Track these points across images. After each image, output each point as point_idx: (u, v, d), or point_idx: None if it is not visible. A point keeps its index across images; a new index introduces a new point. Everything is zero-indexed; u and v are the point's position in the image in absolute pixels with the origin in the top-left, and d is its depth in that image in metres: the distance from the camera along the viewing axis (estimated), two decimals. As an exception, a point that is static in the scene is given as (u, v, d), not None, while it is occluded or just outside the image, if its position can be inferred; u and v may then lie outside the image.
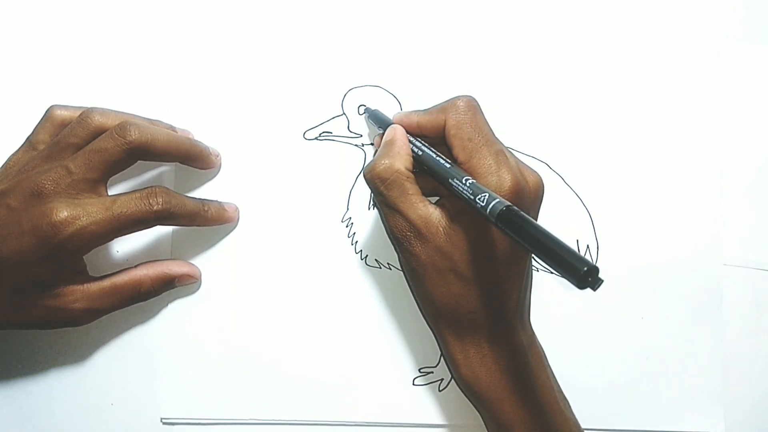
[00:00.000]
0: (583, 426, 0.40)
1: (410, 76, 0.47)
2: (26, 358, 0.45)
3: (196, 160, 0.43)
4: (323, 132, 0.46)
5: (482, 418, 0.40)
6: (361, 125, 0.46)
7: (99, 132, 0.40)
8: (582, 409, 0.41)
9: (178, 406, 0.45)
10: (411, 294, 0.42)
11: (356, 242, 0.46)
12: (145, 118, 0.44)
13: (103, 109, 0.41)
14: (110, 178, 0.40)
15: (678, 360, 0.46)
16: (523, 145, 0.46)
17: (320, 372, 0.45)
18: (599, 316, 0.46)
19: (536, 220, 0.38)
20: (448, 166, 0.37)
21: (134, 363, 0.45)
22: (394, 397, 0.45)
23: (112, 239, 0.39)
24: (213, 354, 0.45)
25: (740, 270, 0.47)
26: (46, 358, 0.45)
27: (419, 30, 0.47)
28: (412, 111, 0.41)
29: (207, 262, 0.45)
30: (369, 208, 0.46)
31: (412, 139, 0.40)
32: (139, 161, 0.41)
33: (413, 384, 0.45)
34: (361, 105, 0.46)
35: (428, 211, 0.37)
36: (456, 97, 0.39)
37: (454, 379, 0.42)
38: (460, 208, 0.37)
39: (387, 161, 0.38)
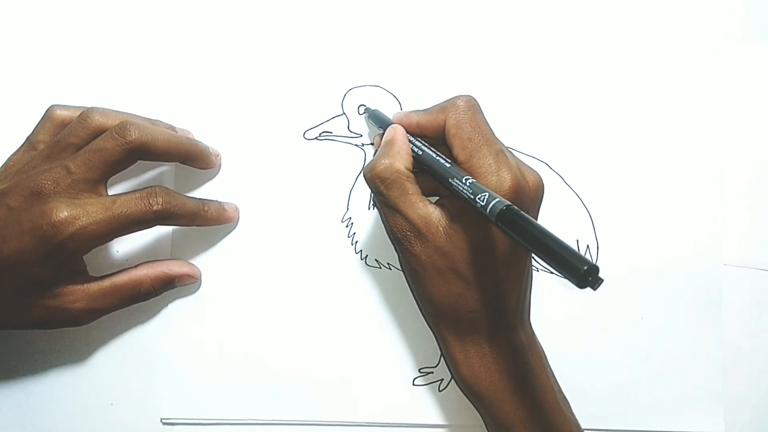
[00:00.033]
0: (583, 426, 0.40)
1: (410, 76, 0.47)
2: (26, 358, 0.45)
3: (196, 160, 0.43)
4: (323, 132, 0.46)
5: (482, 418, 0.40)
6: (361, 125, 0.46)
7: (99, 132, 0.40)
8: (582, 409, 0.41)
9: (178, 406, 0.45)
10: (411, 294, 0.42)
11: (356, 242, 0.46)
12: (145, 118, 0.44)
13: (103, 109, 0.41)
14: (110, 178, 0.40)
15: (678, 360, 0.46)
16: (523, 145, 0.46)
17: (320, 372, 0.45)
18: (599, 316, 0.46)
19: (536, 219, 0.38)
20: (448, 165, 0.37)
21: (134, 363, 0.45)
22: (394, 397, 0.45)
23: (112, 239, 0.39)
24: (213, 354, 0.45)
25: (740, 270, 0.47)
26: (46, 358, 0.45)
27: (419, 30, 0.47)
28: (412, 111, 0.41)
29: (207, 262, 0.45)
30: (369, 208, 0.46)
31: (412, 138, 0.40)
32: (139, 161, 0.41)
33: (413, 384, 0.45)
34: (361, 105, 0.46)
35: (428, 211, 0.37)
36: (456, 96, 0.39)
37: (454, 379, 0.42)
38: (460, 208, 0.37)
39: (387, 161, 0.38)
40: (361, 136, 0.46)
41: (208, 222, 0.43)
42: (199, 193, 0.46)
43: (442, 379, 0.45)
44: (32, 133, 0.42)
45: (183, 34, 0.47)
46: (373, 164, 0.38)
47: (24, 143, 0.42)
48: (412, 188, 0.38)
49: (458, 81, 0.47)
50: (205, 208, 0.43)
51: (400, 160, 0.38)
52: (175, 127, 0.45)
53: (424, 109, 0.40)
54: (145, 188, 0.40)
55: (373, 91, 0.46)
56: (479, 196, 0.34)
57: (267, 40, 0.47)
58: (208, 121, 0.46)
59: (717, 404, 0.46)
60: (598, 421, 0.45)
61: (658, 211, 0.46)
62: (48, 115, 0.42)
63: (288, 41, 0.47)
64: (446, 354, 0.40)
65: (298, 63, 0.46)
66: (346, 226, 0.46)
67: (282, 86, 0.46)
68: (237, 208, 0.45)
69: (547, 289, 0.46)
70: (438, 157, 0.38)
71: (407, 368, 0.45)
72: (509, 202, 0.32)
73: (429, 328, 0.42)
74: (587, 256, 0.46)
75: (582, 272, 0.28)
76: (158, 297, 0.44)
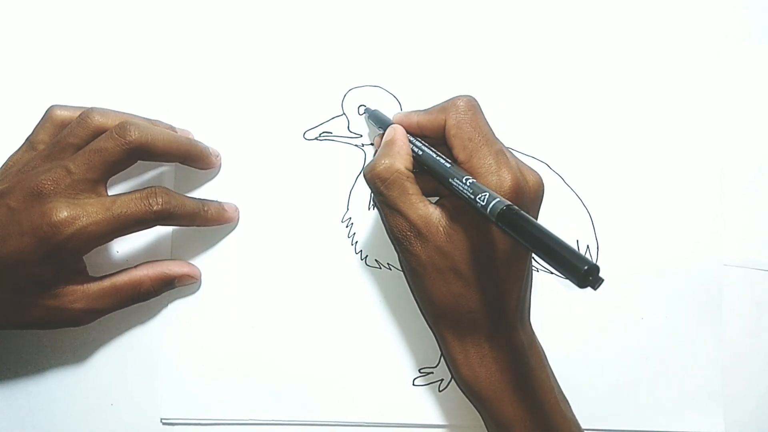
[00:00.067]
0: (583, 426, 0.40)
1: (410, 76, 0.47)
2: (26, 358, 0.45)
3: (196, 160, 0.43)
4: (323, 132, 0.46)
5: (482, 418, 0.40)
6: (361, 125, 0.46)
7: (99, 132, 0.40)
8: (582, 409, 0.41)
9: (178, 406, 0.45)
10: (411, 294, 0.42)
11: (356, 242, 0.46)
12: (145, 118, 0.44)
13: (103, 109, 0.41)
14: (110, 178, 0.40)
15: (678, 360, 0.46)
16: (523, 145, 0.46)
17: (320, 372, 0.45)
18: (599, 316, 0.46)
19: (536, 219, 0.38)
20: (448, 165, 0.37)
21: (134, 363, 0.45)
22: (394, 397, 0.45)
23: (112, 239, 0.39)
24: (213, 354, 0.45)
25: (740, 270, 0.47)
26: (46, 358, 0.45)
27: (419, 30, 0.47)
28: (412, 111, 0.41)
29: (207, 262, 0.45)
30: (369, 208, 0.46)
31: (412, 138, 0.40)
32: (139, 161, 0.40)
33: (413, 384, 0.45)
34: (361, 105, 0.46)
35: (428, 211, 0.37)
36: (456, 96, 0.39)
37: (454, 379, 0.42)
38: (460, 208, 0.37)
39: (387, 161, 0.38)
40: (361, 136, 0.46)
41: (208, 222, 0.43)
42: (199, 193, 0.46)
43: (442, 379, 0.45)
44: (32, 133, 0.42)
45: (183, 34, 0.47)
46: (374, 164, 0.38)
47: (24, 143, 0.42)
48: (412, 188, 0.38)
49: (458, 81, 0.47)
50: (205, 208, 0.43)
51: (400, 160, 0.38)
52: (175, 127, 0.45)
53: (424, 109, 0.40)
54: (145, 188, 0.40)
55: (373, 91, 0.46)
56: (479, 196, 0.34)
57: (267, 40, 0.47)
58: (208, 121, 0.46)
59: (717, 404, 0.46)
60: (598, 421, 0.45)
61: (658, 211, 0.46)
62: (48, 115, 0.42)
63: (288, 41, 0.47)
64: (446, 354, 0.40)
65: (298, 63, 0.46)
66: (346, 226, 0.46)
67: (282, 86, 0.46)
68: (237, 208, 0.45)
69: (547, 289, 0.46)
70: (438, 157, 0.38)
71: (407, 368, 0.45)
72: (509, 202, 0.32)
73: (429, 328, 0.42)
74: (587, 256, 0.46)
75: (582, 272, 0.28)
76: (158, 297, 0.44)
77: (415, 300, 0.42)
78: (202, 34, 0.47)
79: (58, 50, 0.47)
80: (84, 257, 0.40)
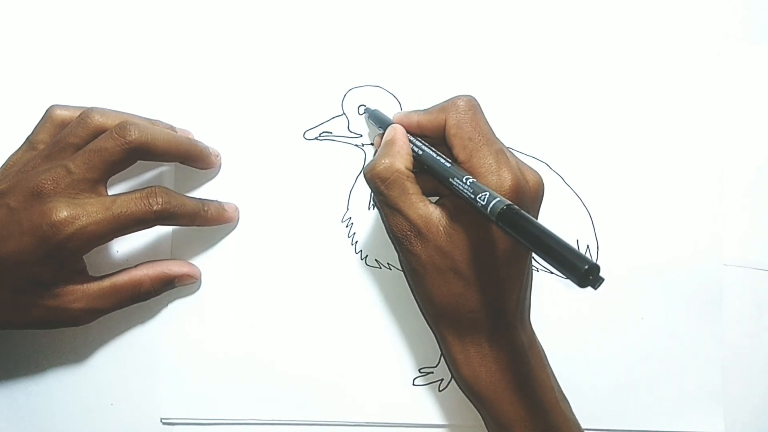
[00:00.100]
0: (583, 426, 0.40)
1: (410, 76, 0.47)
2: (26, 358, 0.45)
3: (196, 160, 0.43)
4: (323, 132, 0.46)
5: (482, 418, 0.40)
6: (361, 125, 0.46)
7: (99, 132, 0.40)
8: (582, 409, 0.41)
9: (178, 406, 0.45)
10: (411, 294, 0.42)
11: (356, 242, 0.46)
12: (145, 118, 0.44)
13: (103, 109, 0.41)
14: (110, 178, 0.40)
15: (678, 360, 0.46)
16: (523, 145, 0.46)
17: (320, 372, 0.45)
18: (599, 316, 0.46)
19: (536, 219, 0.38)
20: (448, 165, 0.37)
21: (134, 363, 0.45)
22: (394, 397, 0.45)
23: (112, 239, 0.39)
24: (213, 354, 0.45)
25: (740, 270, 0.47)
26: (46, 358, 0.45)
27: (419, 30, 0.47)
28: (412, 111, 0.41)
29: (207, 262, 0.45)
30: (369, 208, 0.46)
31: (412, 138, 0.40)
32: (139, 161, 0.40)
33: (413, 384, 0.45)
34: (361, 105, 0.46)
35: (428, 211, 0.37)
36: (456, 96, 0.39)
37: (455, 379, 0.42)
38: (460, 208, 0.37)
39: (387, 161, 0.38)
40: (361, 136, 0.46)
41: (208, 222, 0.43)
42: (199, 193, 0.46)
43: (442, 379, 0.45)
44: (32, 133, 0.42)
45: (183, 34, 0.47)
46: (374, 164, 0.38)
47: (24, 143, 0.42)
48: (412, 188, 0.38)
49: (458, 81, 0.47)
50: (205, 208, 0.43)
51: (400, 159, 0.38)
52: (175, 127, 0.45)
53: (424, 109, 0.40)
54: (145, 188, 0.40)
55: (373, 91, 0.46)
56: (480, 195, 0.34)
57: (267, 40, 0.47)
58: (208, 121, 0.46)
59: (717, 404, 0.46)
60: (598, 421, 0.45)
61: (658, 211, 0.46)
62: (48, 115, 0.42)
63: (288, 41, 0.47)
64: (446, 354, 0.40)
65: (298, 63, 0.46)
66: (346, 226, 0.46)
67: (282, 86, 0.46)
68: (237, 208, 0.45)
69: (547, 289, 0.46)
70: (438, 157, 0.38)
71: (407, 368, 0.45)
72: (510, 202, 0.32)
73: (429, 328, 0.42)
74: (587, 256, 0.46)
75: (583, 271, 0.28)
76: (158, 297, 0.44)
77: (415, 300, 0.42)
78: (202, 34, 0.47)
79: (58, 50, 0.47)
80: (84, 257, 0.40)
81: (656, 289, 0.46)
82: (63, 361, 0.45)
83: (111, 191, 0.41)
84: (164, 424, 0.45)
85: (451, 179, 0.36)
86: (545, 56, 0.47)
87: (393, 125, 0.41)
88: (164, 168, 0.46)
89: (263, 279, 0.45)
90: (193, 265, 0.45)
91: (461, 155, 0.37)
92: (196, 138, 0.45)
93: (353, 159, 0.46)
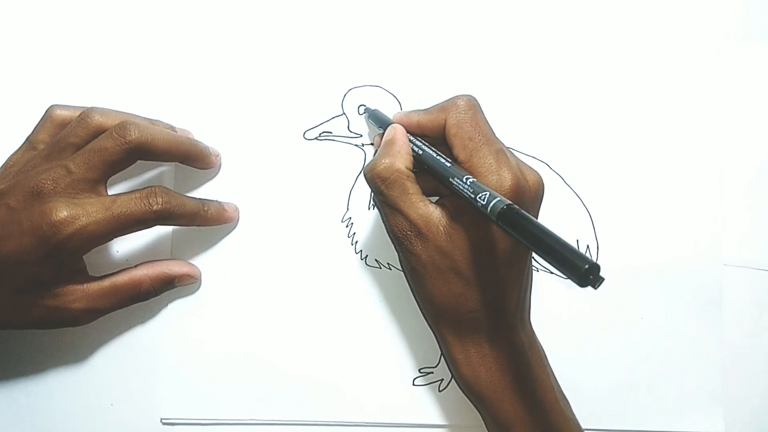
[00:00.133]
0: (583, 426, 0.40)
1: (410, 76, 0.47)
2: (26, 358, 0.45)
3: (196, 160, 0.43)
4: (323, 132, 0.46)
5: (482, 418, 0.40)
6: (361, 125, 0.46)
7: (99, 132, 0.40)
8: (582, 409, 0.41)
9: (178, 406, 0.45)
10: (411, 294, 0.42)
11: (356, 242, 0.46)
12: (145, 118, 0.44)
13: (103, 109, 0.42)
14: (110, 178, 0.40)
15: (678, 360, 0.46)
16: (523, 145, 0.46)
17: (320, 372, 0.45)
18: (599, 316, 0.46)
19: (536, 219, 0.38)
20: (448, 165, 0.37)
21: (134, 363, 0.45)
22: (394, 397, 0.45)
23: (112, 239, 0.39)
24: (213, 354, 0.45)
25: (740, 270, 0.47)
26: (46, 358, 0.45)
27: (419, 30, 0.47)
28: (412, 110, 0.41)
29: (207, 262, 0.45)
30: (369, 208, 0.46)
31: (412, 138, 0.40)
32: (139, 161, 0.40)
33: (413, 384, 0.45)
34: (361, 105, 0.46)
35: (429, 211, 0.37)
36: (456, 96, 0.39)
37: (455, 379, 0.42)
38: (460, 208, 0.37)
39: (387, 160, 0.38)
40: (361, 136, 0.46)
41: (208, 222, 0.43)
42: (199, 193, 0.46)
43: (442, 379, 0.45)
44: (32, 133, 0.42)
45: (183, 34, 0.47)
46: (374, 164, 0.38)
47: (24, 143, 0.42)
48: (412, 188, 0.38)
49: (458, 81, 0.47)
50: (205, 208, 0.43)
51: (400, 159, 0.38)
52: (175, 127, 0.45)
53: (424, 109, 0.40)
54: (145, 188, 0.40)
55: (373, 91, 0.46)
56: (480, 195, 0.34)
57: (267, 40, 0.47)
58: (208, 121, 0.46)
59: (717, 404, 0.46)
60: (598, 421, 0.45)
61: (657, 211, 0.46)
62: (48, 115, 0.42)
63: (288, 41, 0.47)
64: (446, 354, 0.40)
65: (298, 63, 0.46)
66: (346, 226, 0.46)
67: (282, 86, 0.46)
68: (237, 208, 0.45)
69: (547, 289, 0.46)
70: (438, 157, 0.38)
71: (407, 368, 0.45)
72: (510, 202, 0.32)
73: (429, 328, 0.42)
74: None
75: (583, 271, 0.28)
76: (158, 297, 0.44)
77: (415, 300, 0.42)
78: (202, 34, 0.47)
79: (58, 50, 0.47)
80: (84, 257, 0.40)
81: (656, 289, 0.46)
82: (63, 361, 0.45)
83: (111, 191, 0.41)
84: (164, 424, 0.45)
85: (451, 179, 0.36)
86: (545, 56, 0.47)
87: (393, 125, 0.41)
88: (164, 168, 0.46)
89: (263, 279, 0.45)
90: (193, 265, 0.45)
91: (461, 155, 0.37)
92: (196, 138, 0.45)
93: (353, 159, 0.46)
